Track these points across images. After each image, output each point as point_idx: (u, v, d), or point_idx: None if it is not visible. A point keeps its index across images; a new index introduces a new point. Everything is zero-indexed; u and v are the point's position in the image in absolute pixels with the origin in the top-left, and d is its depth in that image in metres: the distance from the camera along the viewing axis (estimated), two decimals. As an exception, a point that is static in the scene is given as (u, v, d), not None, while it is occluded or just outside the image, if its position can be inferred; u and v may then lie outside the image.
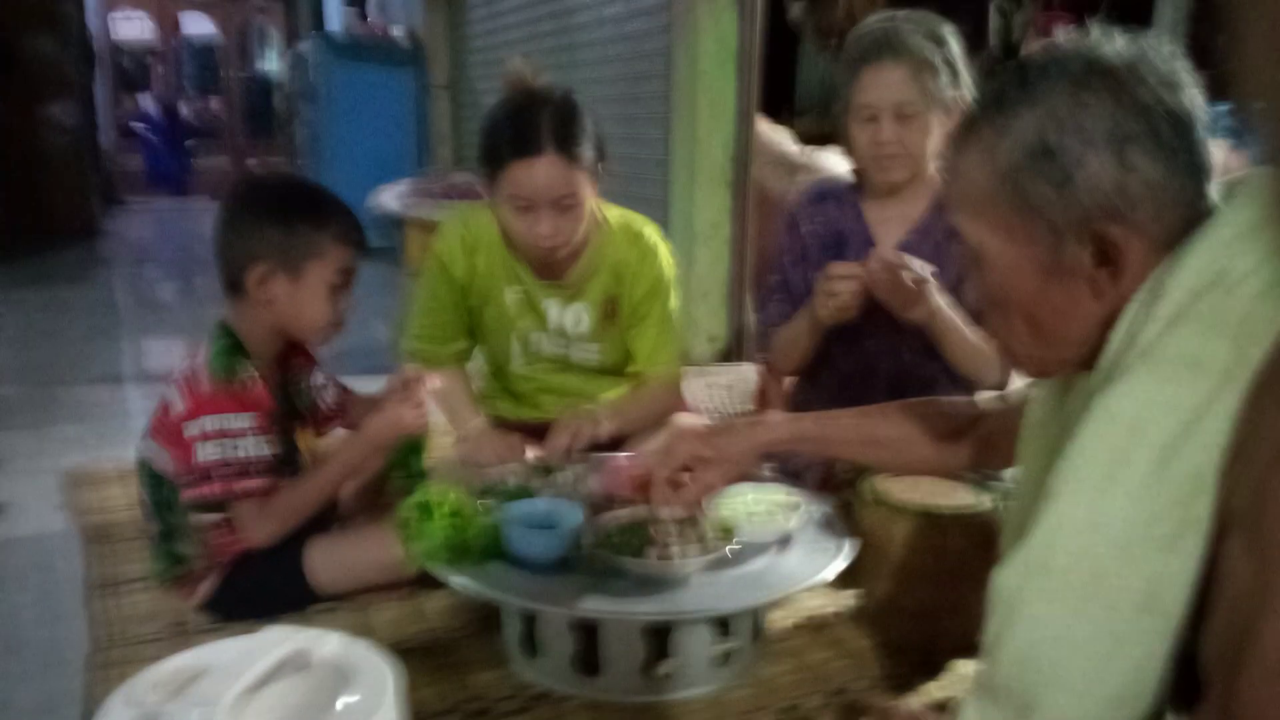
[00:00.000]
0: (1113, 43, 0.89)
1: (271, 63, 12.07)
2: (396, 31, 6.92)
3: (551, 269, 1.92)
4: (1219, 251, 0.82)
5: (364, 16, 7.82)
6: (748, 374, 3.29)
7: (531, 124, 1.71)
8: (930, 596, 1.53)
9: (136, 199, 9.73)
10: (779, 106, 5.05)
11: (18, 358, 3.55)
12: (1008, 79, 0.91)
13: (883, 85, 1.80)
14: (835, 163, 3.75)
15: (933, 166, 1.92)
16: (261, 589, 1.59)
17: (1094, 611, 0.85)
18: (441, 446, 2.31)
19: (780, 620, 1.63)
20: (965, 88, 1.84)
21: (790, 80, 6.98)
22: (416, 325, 2.00)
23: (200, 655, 1.01)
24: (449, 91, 6.64)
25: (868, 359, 1.98)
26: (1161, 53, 0.89)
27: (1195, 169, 0.87)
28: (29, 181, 6.60)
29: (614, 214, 1.97)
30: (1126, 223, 0.86)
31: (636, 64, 3.99)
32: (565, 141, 1.72)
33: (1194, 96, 0.88)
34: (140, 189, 10.24)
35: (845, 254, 1.97)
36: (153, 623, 1.62)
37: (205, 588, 1.61)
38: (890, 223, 1.96)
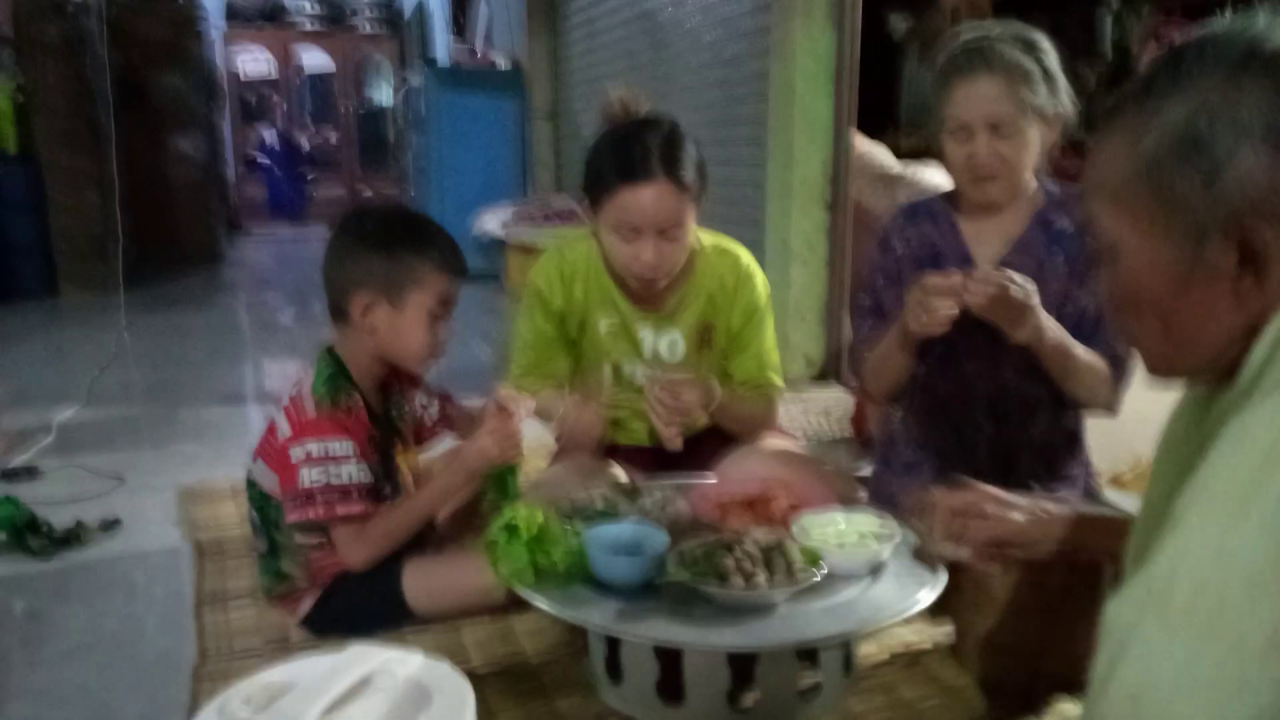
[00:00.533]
0: (1274, 27, 0.82)
1: (383, 93, 12.53)
2: (500, 60, 7.11)
3: (649, 297, 1.91)
4: None
5: (470, 46, 8.06)
6: (844, 398, 3.24)
7: (643, 149, 1.72)
8: (1030, 632, 1.46)
9: (258, 227, 10.22)
10: (881, 121, 4.97)
11: (145, 379, 3.76)
12: (1160, 63, 0.86)
13: (976, 99, 1.74)
14: (936, 177, 3.67)
15: (1033, 181, 1.86)
16: (358, 608, 1.63)
17: (1216, 650, 0.78)
18: (535, 469, 2.35)
19: (872, 655, 1.59)
20: (1064, 97, 1.77)
21: (893, 93, 6.87)
22: (520, 357, 1.98)
23: (289, 670, 1.04)
24: (550, 118, 6.78)
25: (966, 381, 1.91)
26: None
27: None
28: (157, 210, 7.01)
29: (708, 238, 1.96)
30: (1278, 225, 0.80)
31: (734, 87, 4.00)
32: (675, 168, 1.73)
33: None
34: (261, 217, 10.75)
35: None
36: (257, 636, 1.68)
37: (306, 605, 1.66)
38: (988, 240, 1.89)
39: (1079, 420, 1.94)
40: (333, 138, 12.22)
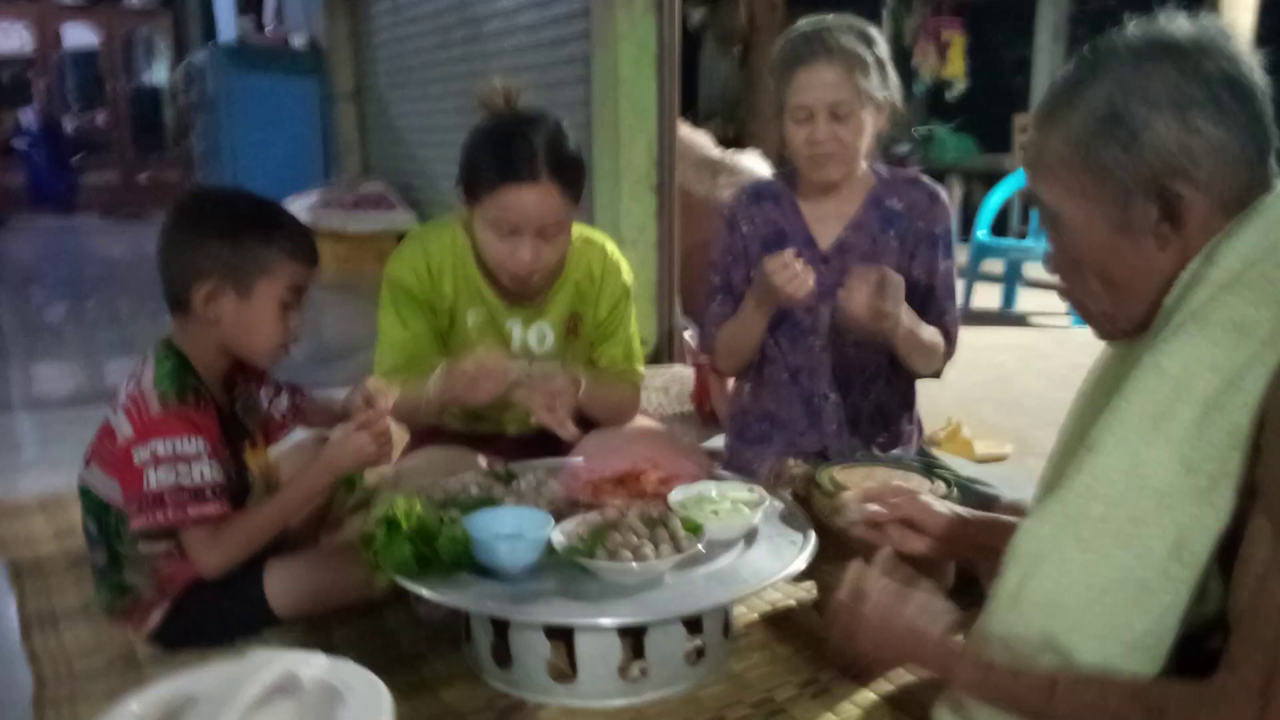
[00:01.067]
0: (1176, 23, 0.97)
1: (159, 73, 11.62)
2: (297, 40, 6.76)
3: (521, 293, 1.87)
4: (1273, 227, 0.89)
5: (260, 25, 7.61)
6: (681, 375, 3.32)
7: (528, 148, 1.67)
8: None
9: (19, 218, 9.26)
10: (683, 112, 5.11)
11: (-92, 388, 3.35)
12: (1080, 59, 1.00)
13: (817, 85, 1.84)
14: (756, 164, 3.82)
15: (865, 165, 1.98)
16: (217, 615, 1.54)
17: (1126, 558, 0.91)
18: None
19: (743, 615, 1.65)
20: (893, 86, 1.91)
21: (692, 86, 7.07)
22: (386, 357, 1.88)
23: (183, 683, 0.98)
24: (354, 100, 6.52)
25: (813, 354, 2.03)
26: (1223, 31, 0.96)
27: (1257, 136, 0.94)
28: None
29: (574, 229, 1.91)
30: (1190, 180, 0.93)
31: (554, 70, 3.99)
32: (560, 169, 1.69)
33: (1256, 70, 0.95)
34: (22, 207, 9.75)
35: None
36: (98, 656, 1.55)
37: (155, 617, 1.54)
38: (827, 220, 2.01)
39: (911, 385, 2.09)
40: (101, 119, 11.20)
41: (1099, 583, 0.92)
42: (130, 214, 9.87)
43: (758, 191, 2.09)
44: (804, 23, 1.92)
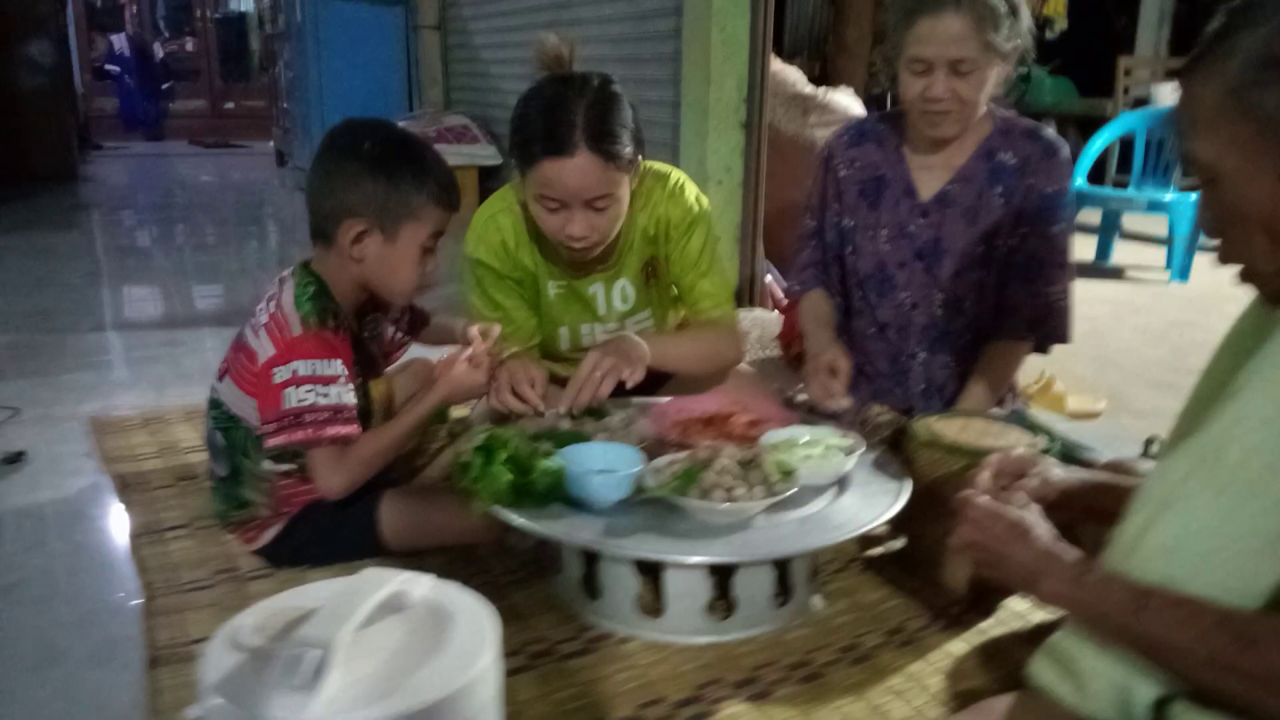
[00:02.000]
0: None
1: (246, 2, 11.72)
2: (383, -32, 6.72)
3: (587, 264, 1.83)
4: None
5: (346, -48, 7.59)
6: (764, 319, 3.29)
7: (566, 120, 1.58)
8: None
9: (112, 143, 9.52)
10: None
11: (18, 306, 3.48)
12: (1230, 10, 0.95)
13: (942, 38, 1.71)
14: (849, 102, 3.71)
15: (982, 111, 1.86)
16: (327, 539, 1.58)
17: (1256, 508, 0.88)
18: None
19: (831, 562, 1.64)
20: (1024, 30, 1.77)
21: (779, 19, 6.89)
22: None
23: (299, 596, 1.00)
24: (439, 31, 6.49)
25: (903, 311, 1.97)
26: None
27: None
28: (3, 125, 6.43)
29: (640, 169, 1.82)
30: None
31: (644, 1, 3.91)
32: (602, 139, 1.59)
33: None
34: (115, 133, 10.01)
35: (882, 201, 1.94)
36: (202, 568, 1.61)
37: (269, 534, 1.59)
38: (933, 168, 1.92)
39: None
40: (189, 46, 11.38)
41: (1227, 531, 0.90)
42: (217, 141, 10.08)
43: (860, 131, 2.01)
44: None
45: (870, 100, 4.61)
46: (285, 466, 1.57)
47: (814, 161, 2.07)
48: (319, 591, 1.00)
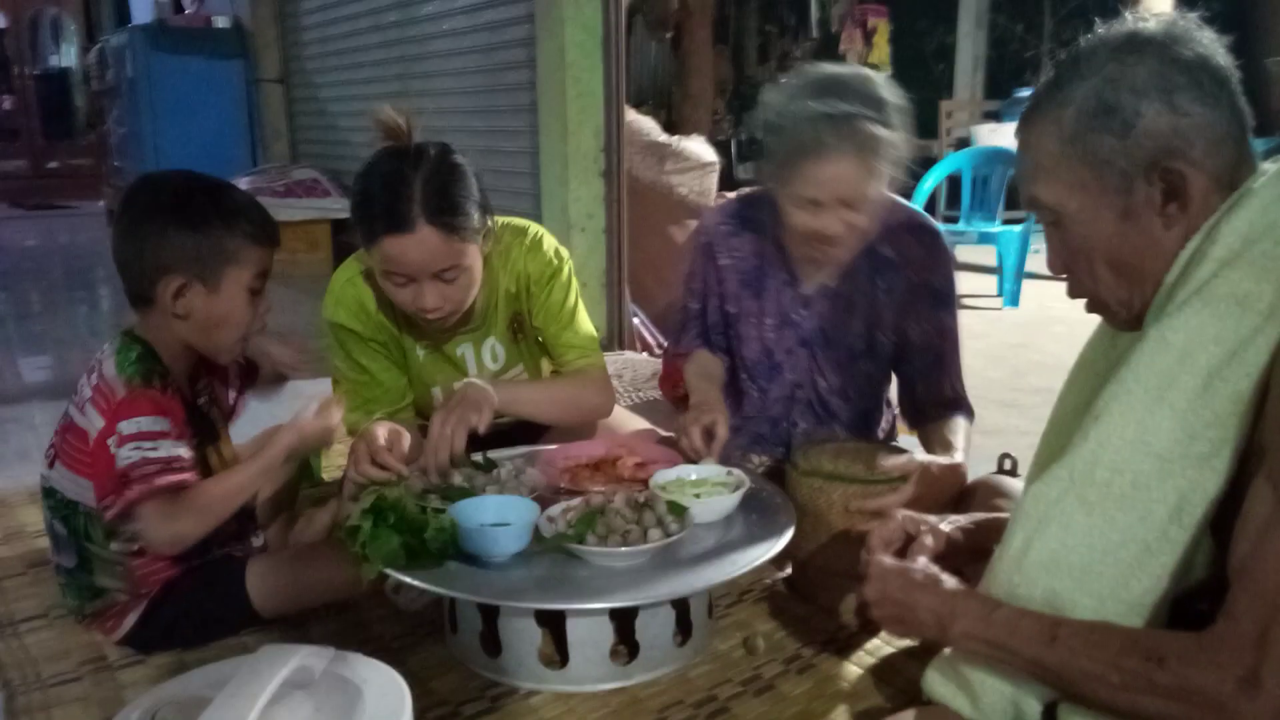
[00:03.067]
0: (1145, 20, 1.03)
1: (68, 57, 11.13)
2: (220, 21, 6.55)
3: (446, 329, 1.79)
4: (1271, 206, 0.94)
5: (180, 6, 7.35)
6: (633, 361, 3.33)
7: (404, 195, 1.55)
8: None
9: (-79, 208, 8.81)
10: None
11: None
12: (1059, 65, 1.04)
13: (832, 181, 1.61)
14: (701, 149, 3.84)
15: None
16: (196, 615, 1.50)
17: (1128, 520, 0.96)
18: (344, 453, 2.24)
19: (724, 596, 1.67)
20: (902, 138, 1.66)
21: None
22: (352, 404, 1.76)
23: (193, 683, 0.96)
24: (282, 84, 6.35)
25: (787, 388, 1.92)
26: (1191, 22, 1.02)
27: (1236, 115, 0.99)
28: None
29: (496, 224, 1.78)
30: (1187, 159, 0.98)
31: (498, 54, 3.95)
32: (442, 212, 1.56)
33: (1226, 57, 1.00)
34: (-75, 198, 9.28)
35: (765, 291, 1.88)
36: (65, 660, 1.50)
37: (130, 620, 1.50)
38: (814, 262, 1.81)
39: (886, 404, 2.01)
40: (7, 104, 10.70)
41: (1102, 544, 0.97)
42: (40, 203, 9.47)
43: (741, 219, 1.89)
44: (812, 91, 1.63)
45: (718, 145, 4.79)
46: (136, 545, 1.48)
47: (693, 246, 1.96)
48: (215, 673, 0.96)
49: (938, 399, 1.85)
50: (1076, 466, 0.99)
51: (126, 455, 1.40)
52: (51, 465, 1.51)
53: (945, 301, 1.82)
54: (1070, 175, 1.03)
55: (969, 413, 1.84)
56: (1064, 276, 1.11)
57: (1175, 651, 0.90)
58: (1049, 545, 1.00)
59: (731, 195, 2.13)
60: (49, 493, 1.51)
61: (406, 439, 1.66)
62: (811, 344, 1.87)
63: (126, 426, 1.41)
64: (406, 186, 1.57)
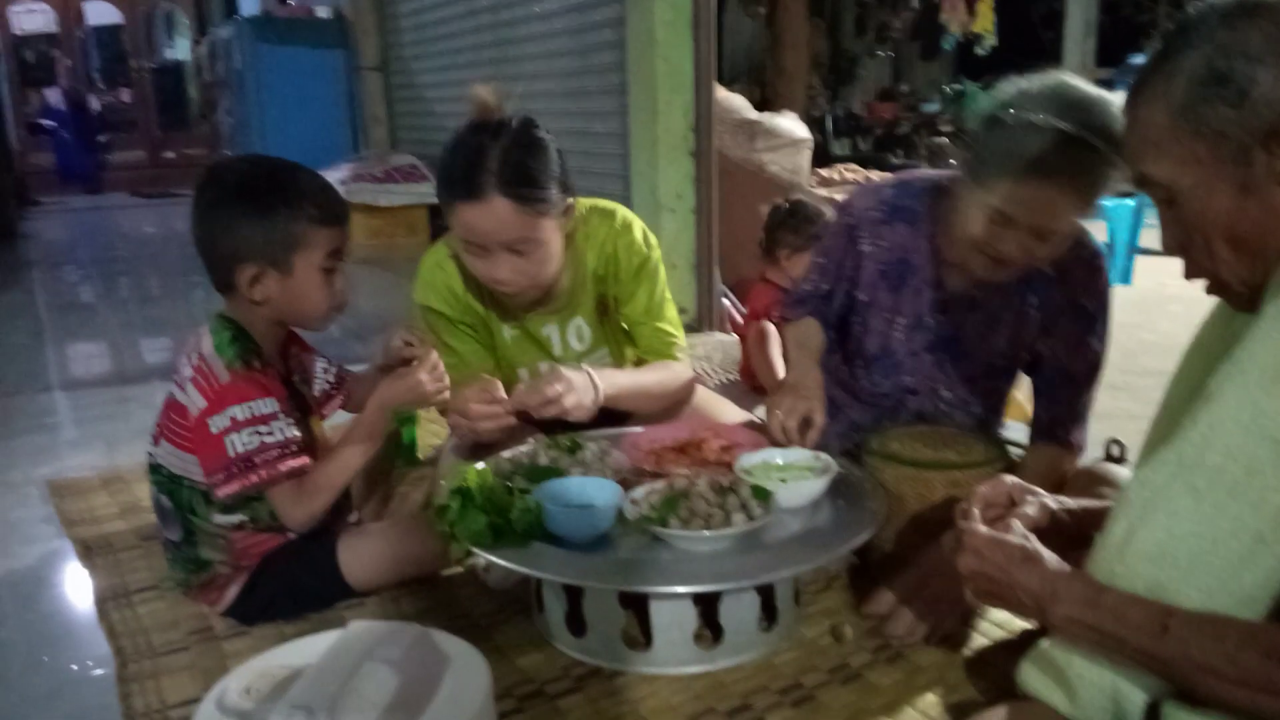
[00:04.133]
0: None
1: (182, 49, 11.61)
2: (321, 11, 6.73)
3: (534, 304, 1.81)
4: None
5: (283, -2, 7.59)
6: (722, 342, 3.31)
7: (478, 164, 1.58)
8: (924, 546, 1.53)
9: (50, 198, 9.33)
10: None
11: (-40, 369, 3.39)
12: (1167, 35, 0.99)
13: (1036, 203, 1.46)
14: (793, 126, 3.78)
15: None
16: (292, 589, 1.55)
17: (1240, 509, 0.90)
18: (430, 431, 2.29)
19: (812, 583, 1.65)
20: (1112, 168, 1.45)
21: (718, 50, 7.00)
22: (452, 378, 1.71)
23: (285, 654, 0.99)
24: (381, 72, 6.49)
25: (902, 389, 1.82)
26: None
27: None
28: (-66, 186, 6.30)
29: (583, 204, 1.81)
30: None
31: (587, 35, 3.95)
32: (515, 183, 1.58)
33: None
34: (52, 188, 9.82)
35: (903, 288, 1.76)
36: (175, 630, 1.57)
37: (232, 592, 1.56)
38: (962, 270, 1.69)
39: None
40: (126, 97, 11.23)
41: (1211, 533, 0.91)
42: (157, 191, 9.94)
43: (895, 208, 1.76)
44: (1052, 106, 1.44)
45: (811, 122, 4.70)
46: (236, 518, 1.55)
47: (835, 225, 1.87)
48: (304, 648, 0.99)
49: (1053, 419, 1.71)
50: (1185, 451, 0.93)
51: (245, 441, 1.47)
52: (157, 442, 1.58)
53: (1093, 323, 1.68)
54: (1183, 149, 0.97)
55: (1073, 446, 1.68)
56: (1180, 257, 1.05)
57: None
58: (1154, 534, 0.95)
59: (888, 177, 1.93)
60: (155, 469, 1.59)
61: (497, 383, 1.67)
62: (940, 351, 1.76)
63: (239, 411, 1.47)
64: (483, 156, 1.59)
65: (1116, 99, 1.44)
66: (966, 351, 1.76)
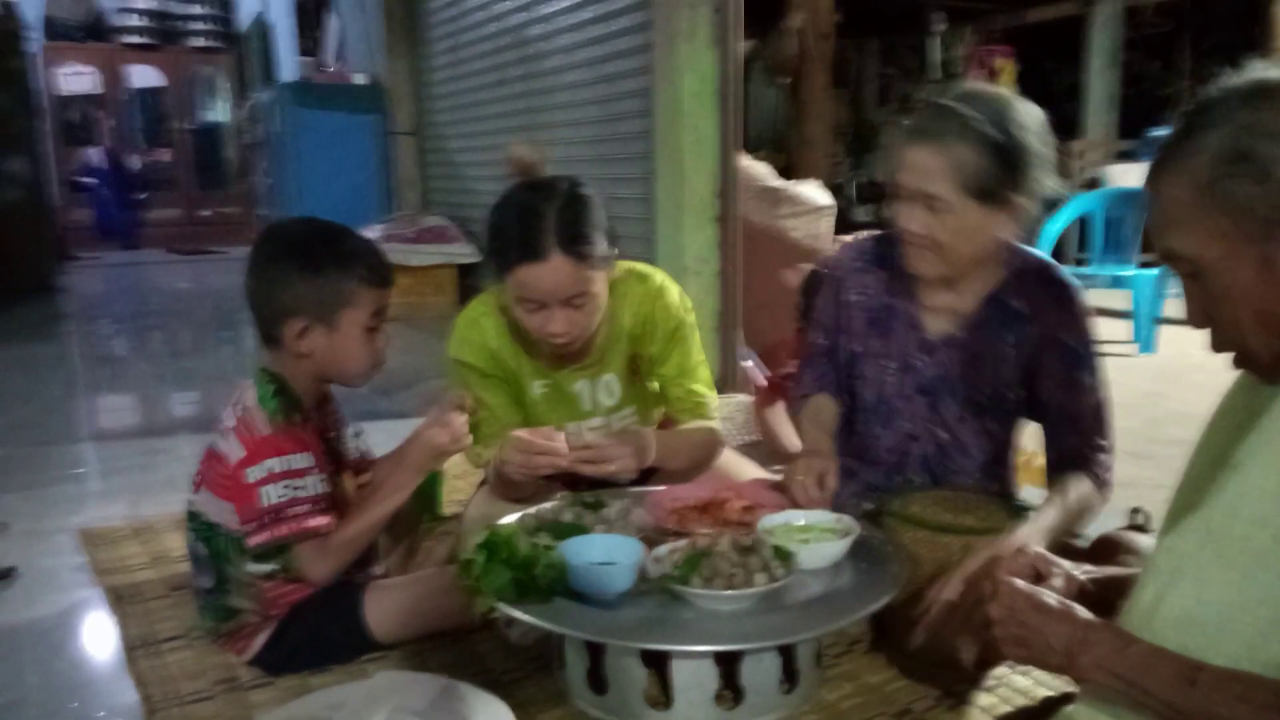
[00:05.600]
0: (1267, 69, 1.01)
1: (221, 112, 11.96)
2: (358, 78, 6.94)
3: (570, 356, 1.86)
4: None
5: (321, 65, 7.82)
6: (744, 404, 3.33)
7: (538, 226, 1.64)
8: (964, 610, 1.53)
9: (87, 254, 9.56)
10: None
11: (1, 419, 3.47)
12: (1186, 115, 1.02)
13: (911, 169, 1.62)
14: (816, 194, 3.84)
15: (990, 259, 1.71)
16: (318, 639, 1.58)
17: (1268, 578, 0.91)
18: (454, 487, 2.32)
19: (833, 645, 1.65)
20: (1035, 181, 1.61)
21: (743, 118, 7.12)
22: (483, 431, 1.81)
23: (310, 705, 1.01)
24: (415, 137, 6.67)
25: (902, 436, 1.85)
26: None
27: None
28: (-19, 239, 6.47)
29: (617, 268, 1.84)
30: None
31: (615, 104, 4.06)
32: (573, 242, 1.65)
33: None
34: (90, 243, 10.06)
35: (890, 333, 1.83)
36: (202, 679, 1.60)
37: (259, 641, 1.59)
38: (939, 312, 1.78)
39: (1010, 468, 1.91)
40: (166, 157, 11.55)
41: (1239, 601, 0.92)
42: (194, 249, 10.16)
43: (872, 256, 1.86)
44: (944, 91, 1.66)
45: (833, 189, 4.77)
46: (268, 568, 1.58)
47: (824, 283, 1.95)
48: (329, 698, 1.01)
49: (1066, 460, 1.71)
50: (1214, 519, 0.95)
51: (279, 493, 1.52)
52: (197, 490, 1.63)
53: (1078, 359, 1.70)
54: (1208, 223, 0.99)
55: (1099, 481, 1.67)
56: (1206, 328, 1.06)
57: None
58: (1182, 601, 0.96)
59: (862, 235, 2.06)
60: (193, 516, 1.63)
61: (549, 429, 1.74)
62: (931, 393, 1.80)
63: (276, 464, 1.53)
64: (540, 218, 1.65)
65: (1015, 99, 1.64)
66: (955, 391, 1.80)
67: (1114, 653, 1.00)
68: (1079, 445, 1.69)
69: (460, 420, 1.64)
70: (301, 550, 1.55)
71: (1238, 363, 1.06)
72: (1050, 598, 1.11)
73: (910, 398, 1.82)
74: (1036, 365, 1.73)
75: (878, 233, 1.94)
